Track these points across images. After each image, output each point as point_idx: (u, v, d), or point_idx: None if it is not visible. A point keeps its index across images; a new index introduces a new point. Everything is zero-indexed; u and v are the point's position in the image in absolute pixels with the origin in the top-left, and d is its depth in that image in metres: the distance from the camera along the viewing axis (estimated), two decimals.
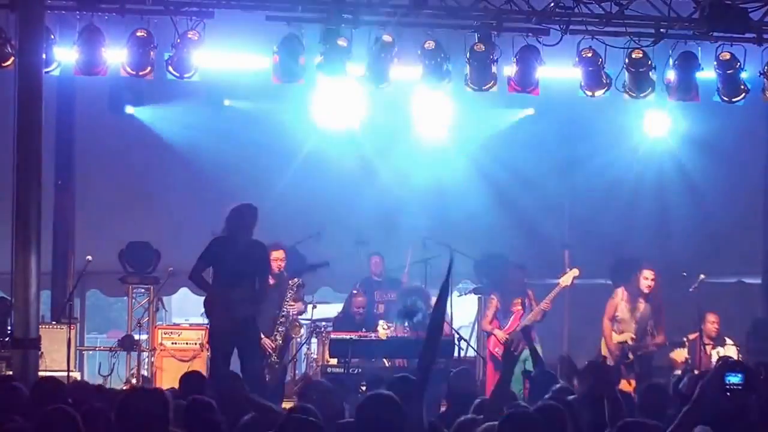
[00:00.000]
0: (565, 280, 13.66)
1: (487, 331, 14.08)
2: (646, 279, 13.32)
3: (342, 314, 13.92)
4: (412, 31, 12.40)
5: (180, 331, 14.03)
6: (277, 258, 13.04)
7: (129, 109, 16.01)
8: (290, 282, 13.17)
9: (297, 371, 14.92)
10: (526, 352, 12.86)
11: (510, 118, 16.70)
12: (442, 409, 9.14)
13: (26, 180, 10.46)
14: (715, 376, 3.92)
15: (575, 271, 13.68)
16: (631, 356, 13.27)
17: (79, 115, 15.50)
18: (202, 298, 11.80)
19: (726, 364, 3.96)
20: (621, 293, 13.42)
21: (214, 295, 11.11)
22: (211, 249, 11.21)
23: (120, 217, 15.78)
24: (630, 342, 13.25)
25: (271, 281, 12.40)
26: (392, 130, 16.28)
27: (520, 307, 13.60)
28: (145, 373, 13.96)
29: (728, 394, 3.86)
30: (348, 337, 12.62)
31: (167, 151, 16.12)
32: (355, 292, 13.83)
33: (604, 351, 13.45)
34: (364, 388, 11.08)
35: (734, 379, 3.87)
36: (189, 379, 8.44)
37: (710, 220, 16.36)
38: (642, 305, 13.33)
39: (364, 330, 13.10)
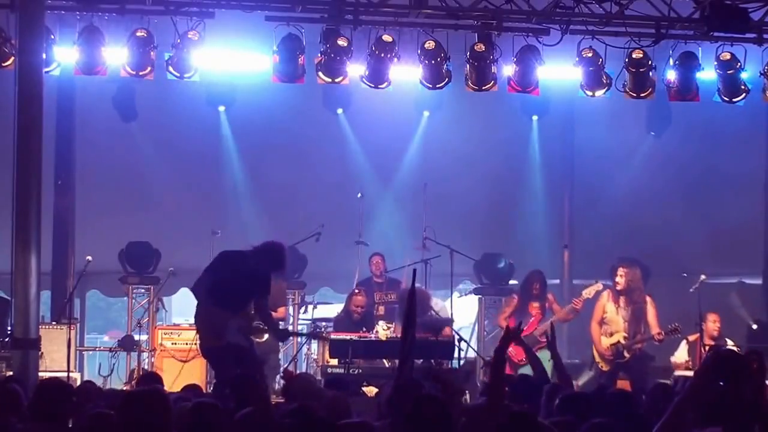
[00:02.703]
0: (589, 292, 13.58)
1: (502, 328, 14.03)
2: (617, 276, 13.33)
3: (342, 314, 13.92)
4: (412, 31, 12.40)
5: (180, 332, 13.98)
6: None
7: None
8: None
9: (297, 371, 14.91)
10: (543, 354, 12.90)
11: (507, 116, 16.68)
12: None
13: (26, 180, 10.45)
14: (707, 366, 3.89)
15: (599, 286, 13.60)
16: (626, 354, 13.27)
17: (79, 115, 15.49)
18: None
19: (718, 354, 3.92)
20: (606, 294, 13.44)
21: (207, 311, 10.65)
22: (219, 263, 10.79)
23: (120, 217, 15.77)
24: (623, 341, 13.26)
25: None
26: (393, 130, 16.29)
27: (539, 311, 13.58)
28: (145, 368, 13.94)
29: (721, 383, 3.83)
30: (348, 337, 12.61)
31: (167, 150, 16.11)
32: (356, 291, 13.82)
33: (596, 354, 13.45)
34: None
35: (728, 370, 3.85)
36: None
37: (710, 220, 16.35)
38: (626, 303, 13.33)
39: (364, 330, 13.08)
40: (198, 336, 11.09)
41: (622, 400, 6.81)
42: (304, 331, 14.51)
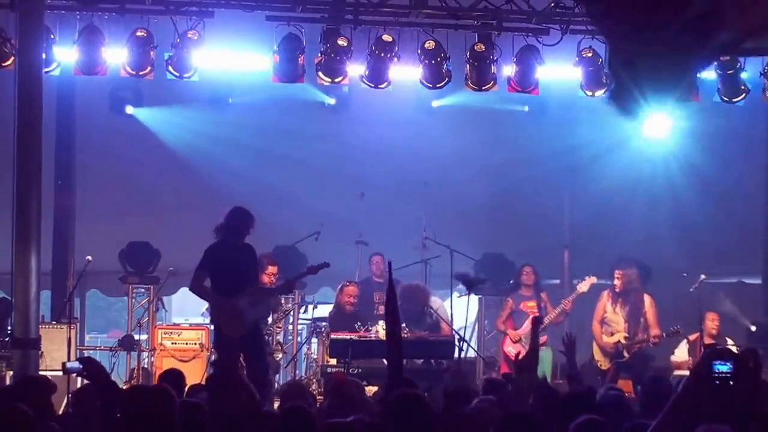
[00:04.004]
0: (583, 286, 13.65)
1: (501, 331, 14.14)
2: (614, 278, 13.45)
3: (334, 310, 13.91)
4: (412, 31, 12.40)
5: (180, 331, 14.02)
6: (272, 273, 13.00)
7: (129, 109, 15.99)
8: (283, 305, 13.21)
9: (297, 371, 14.92)
10: (545, 354, 12.90)
11: (507, 116, 16.65)
12: None
13: (26, 180, 10.46)
14: (703, 364, 3.88)
15: (593, 279, 13.67)
16: (626, 354, 13.29)
17: (79, 115, 15.48)
18: (203, 302, 11.76)
19: (714, 351, 3.91)
20: (606, 294, 13.52)
21: (221, 303, 10.95)
22: (209, 257, 10.98)
23: (120, 217, 15.78)
24: (623, 341, 13.29)
25: None
26: (393, 129, 16.29)
27: (536, 310, 13.62)
28: (145, 366, 13.95)
29: (716, 382, 3.82)
30: (348, 337, 12.61)
31: (167, 150, 16.12)
32: (346, 283, 13.80)
33: (596, 353, 13.48)
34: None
35: (723, 367, 3.82)
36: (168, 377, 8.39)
37: (710, 219, 16.35)
38: (625, 304, 13.38)
39: (358, 324, 13.07)
40: (217, 330, 11.17)
41: (615, 401, 6.80)
42: (307, 321, 14.59)
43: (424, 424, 5.24)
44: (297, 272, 12.38)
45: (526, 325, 13.61)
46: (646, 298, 13.51)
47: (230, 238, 10.98)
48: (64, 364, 11.98)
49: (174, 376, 8.48)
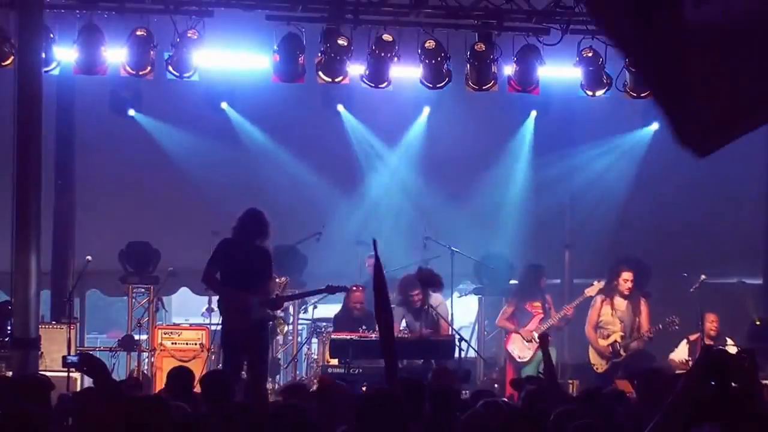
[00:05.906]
0: (591, 290, 13.57)
1: (504, 328, 13.98)
2: (626, 281, 13.31)
3: (341, 312, 13.91)
4: (412, 31, 12.40)
5: (180, 331, 13.99)
6: None
7: (131, 112, 15.97)
8: (278, 280, 13.21)
9: (297, 371, 14.91)
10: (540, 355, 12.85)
11: (507, 116, 16.65)
12: None
13: (26, 180, 10.46)
14: (698, 365, 3.89)
15: (602, 284, 13.58)
16: (623, 353, 13.27)
17: (79, 115, 15.48)
18: (204, 298, 11.75)
19: (710, 353, 3.92)
20: (599, 299, 13.42)
21: (230, 295, 10.93)
22: (220, 250, 10.96)
23: (120, 217, 15.77)
24: (619, 340, 13.27)
25: None
26: (393, 129, 16.29)
27: (541, 311, 13.59)
28: (146, 371, 13.93)
29: (712, 383, 3.83)
30: (348, 337, 12.61)
31: (167, 150, 16.11)
32: (353, 288, 13.80)
33: (593, 357, 13.44)
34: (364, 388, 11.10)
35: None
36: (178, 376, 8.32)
37: (710, 220, 16.34)
38: (623, 304, 13.33)
39: (363, 328, 13.07)
40: (222, 322, 11.16)
41: (615, 400, 6.80)
42: (308, 321, 14.58)
43: (395, 424, 5.22)
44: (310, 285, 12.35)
45: (533, 323, 13.59)
46: (642, 299, 13.49)
47: (240, 237, 10.96)
48: (64, 357, 11.97)
49: (182, 375, 8.39)
